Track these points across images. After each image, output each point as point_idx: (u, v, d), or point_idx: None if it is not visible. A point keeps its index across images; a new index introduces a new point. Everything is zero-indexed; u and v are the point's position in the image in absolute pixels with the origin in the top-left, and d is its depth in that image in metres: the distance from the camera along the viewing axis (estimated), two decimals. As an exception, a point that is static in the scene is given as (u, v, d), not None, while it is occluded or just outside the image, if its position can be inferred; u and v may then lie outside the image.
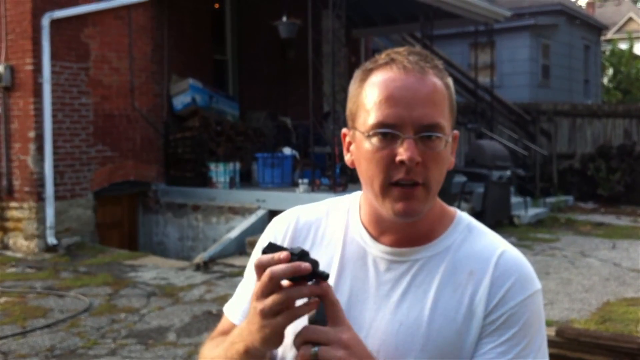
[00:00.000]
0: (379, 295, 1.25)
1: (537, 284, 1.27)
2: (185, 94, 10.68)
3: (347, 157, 1.29)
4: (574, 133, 16.16)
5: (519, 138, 15.14)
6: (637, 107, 16.92)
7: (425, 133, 1.17)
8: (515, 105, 16.25)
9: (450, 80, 1.26)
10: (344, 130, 1.31)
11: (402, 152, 1.15)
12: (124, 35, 10.04)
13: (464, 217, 1.34)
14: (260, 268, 1.09)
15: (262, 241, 1.38)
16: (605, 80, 27.00)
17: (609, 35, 31.51)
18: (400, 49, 1.26)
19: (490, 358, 1.18)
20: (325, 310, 1.09)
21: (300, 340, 1.08)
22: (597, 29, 23.80)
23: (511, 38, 18.78)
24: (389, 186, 1.19)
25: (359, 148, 1.23)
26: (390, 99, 1.17)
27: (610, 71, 27.10)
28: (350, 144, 1.28)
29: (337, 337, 1.07)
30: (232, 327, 1.32)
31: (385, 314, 1.23)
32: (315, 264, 1.08)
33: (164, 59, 10.60)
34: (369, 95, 1.20)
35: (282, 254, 1.07)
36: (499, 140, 13.54)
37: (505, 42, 18.68)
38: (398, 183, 1.18)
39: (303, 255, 1.08)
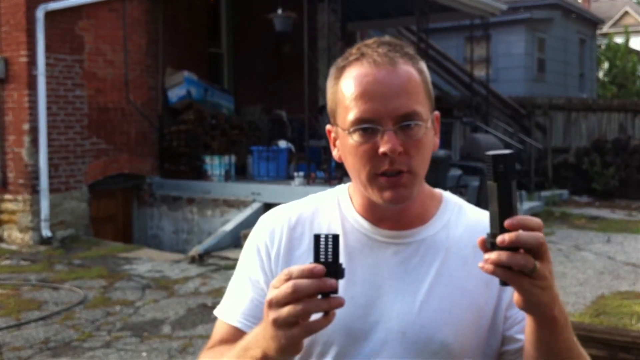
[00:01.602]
0: (393, 278, 1.28)
1: None
2: (180, 87, 10.66)
3: (335, 152, 1.32)
4: (569, 127, 16.18)
5: (514, 132, 15.15)
6: (632, 101, 16.96)
7: (403, 123, 1.20)
8: (511, 99, 16.24)
9: (423, 65, 1.28)
10: (328, 127, 1.33)
11: (384, 144, 1.19)
12: (119, 28, 10.00)
13: (450, 196, 1.40)
14: (288, 276, 1.03)
15: (254, 240, 1.38)
16: (600, 75, 26.99)
17: (605, 29, 31.49)
18: (370, 41, 1.28)
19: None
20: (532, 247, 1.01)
21: (520, 243, 1.00)
22: (593, 23, 23.78)
23: (507, 32, 18.75)
24: (375, 176, 1.22)
25: (343, 144, 1.26)
26: (365, 95, 1.20)
27: (606, 65, 27.08)
28: (335, 139, 1.31)
29: (548, 253, 1.04)
30: (232, 331, 1.31)
31: (404, 296, 1.27)
32: (342, 274, 1.05)
33: (158, 52, 10.57)
34: (345, 93, 1.24)
35: (317, 268, 1.02)
36: (494, 134, 13.55)
37: (500, 36, 18.65)
38: (384, 173, 1.21)
39: (336, 266, 1.04)
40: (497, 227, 1.02)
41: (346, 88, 1.24)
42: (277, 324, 1.03)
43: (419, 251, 1.29)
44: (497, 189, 1.03)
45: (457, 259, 1.28)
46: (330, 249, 1.04)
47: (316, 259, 1.03)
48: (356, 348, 1.26)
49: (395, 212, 1.28)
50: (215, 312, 1.38)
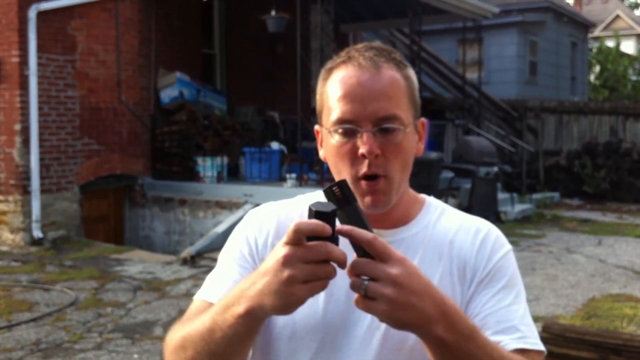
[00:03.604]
0: None
1: (509, 244, 1.38)
2: (172, 88, 10.64)
3: (321, 152, 1.36)
4: (561, 130, 16.23)
5: (506, 134, 15.20)
6: (623, 104, 17.02)
7: (382, 125, 1.23)
8: (503, 101, 16.29)
9: (410, 72, 1.31)
10: (316, 127, 1.37)
11: (362, 145, 1.22)
12: (111, 28, 9.97)
13: (433, 200, 1.42)
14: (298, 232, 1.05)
15: (242, 229, 1.42)
16: (592, 78, 27.10)
17: (596, 32, 31.64)
18: (359, 46, 1.32)
19: (490, 306, 1.25)
20: (368, 250, 1.04)
21: (352, 273, 1.05)
22: (585, 26, 23.89)
23: (499, 34, 18.81)
24: (357, 181, 1.25)
25: (327, 144, 1.31)
26: (347, 96, 1.24)
27: (597, 68, 27.19)
28: (322, 140, 1.35)
29: (385, 272, 1.02)
30: (210, 307, 1.28)
31: None
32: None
33: (151, 52, 10.55)
34: (330, 94, 1.28)
35: (325, 228, 1.04)
36: (486, 136, 13.58)
37: (493, 38, 18.70)
38: (364, 177, 1.24)
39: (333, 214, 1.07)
40: (358, 250, 1.06)
41: (331, 89, 1.27)
42: (294, 280, 1.03)
43: (398, 250, 1.30)
44: (345, 215, 1.07)
45: (433, 255, 1.30)
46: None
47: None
48: (335, 345, 1.27)
49: (378, 214, 1.30)
50: (195, 296, 1.37)
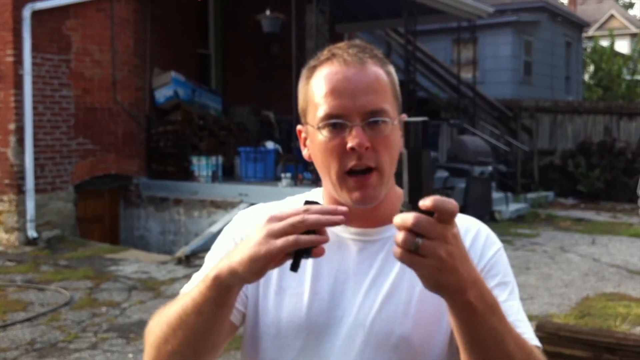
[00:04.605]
0: (358, 274, 1.30)
1: (500, 242, 1.38)
2: (167, 87, 10.63)
3: (305, 152, 1.36)
4: (555, 129, 16.27)
5: (501, 134, 15.22)
6: (617, 104, 17.06)
7: (371, 119, 1.23)
8: (497, 101, 16.32)
9: (391, 68, 1.33)
10: (299, 127, 1.38)
11: (351, 139, 1.22)
12: (106, 28, 9.97)
13: None
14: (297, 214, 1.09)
15: (231, 230, 1.41)
16: (586, 77, 27.16)
17: (591, 32, 31.71)
18: (341, 44, 1.33)
19: None
20: (439, 214, 0.97)
21: (405, 226, 0.97)
22: (579, 26, 23.94)
23: (494, 34, 18.84)
24: (344, 175, 1.25)
25: (313, 141, 1.30)
26: (335, 91, 1.25)
27: (592, 68, 27.24)
28: (305, 139, 1.35)
29: (444, 233, 0.98)
30: None
31: (367, 291, 1.29)
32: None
33: (146, 52, 10.54)
34: (315, 91, 1.28)
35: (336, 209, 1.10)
36: (481, 136, 13.60)
37: (487, 38, 18.74)
38: (352, 171, 1.23)
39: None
40: (407, 196, 1.00)
41: (316, 86, 1.28)
42: (270, 233, 1.07)
43: (384, 248, 1.31)
44: (407, 158, 1.01)
45: None
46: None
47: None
48: (319, 342, 1.27)
49: (365, 211, 1.29)
50: (180, 291, 1.35)
